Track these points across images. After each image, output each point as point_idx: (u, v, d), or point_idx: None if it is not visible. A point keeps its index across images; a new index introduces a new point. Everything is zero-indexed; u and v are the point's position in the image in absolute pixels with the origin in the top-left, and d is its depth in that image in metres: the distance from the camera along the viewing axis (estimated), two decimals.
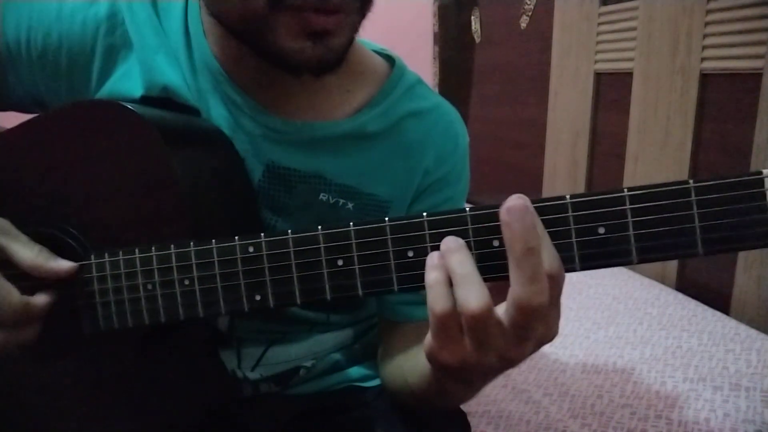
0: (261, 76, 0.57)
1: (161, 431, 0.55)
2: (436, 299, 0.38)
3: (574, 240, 0.38)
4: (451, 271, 0.38)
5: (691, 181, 0.36)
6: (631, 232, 0.37)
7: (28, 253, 0.47)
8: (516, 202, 0.36)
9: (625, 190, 0.37)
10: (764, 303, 1.12)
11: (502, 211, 0.36)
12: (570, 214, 0.38)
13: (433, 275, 0.38)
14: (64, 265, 0.48)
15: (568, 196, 0.38)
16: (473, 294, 0.36)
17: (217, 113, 0.58)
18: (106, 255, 0.48)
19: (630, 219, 0.37)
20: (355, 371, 0.70)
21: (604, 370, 0.97)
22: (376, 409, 0.64)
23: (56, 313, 0.49)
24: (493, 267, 0.38)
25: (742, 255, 1.16)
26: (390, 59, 0.64)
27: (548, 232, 0.37)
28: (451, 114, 0.65)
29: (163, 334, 0.52)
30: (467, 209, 0.39)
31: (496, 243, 0.38)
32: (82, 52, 0.57)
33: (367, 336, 0.71)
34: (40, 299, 0.48)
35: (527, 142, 1.97)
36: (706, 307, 1.17)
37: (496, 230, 0.38)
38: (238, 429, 0.62)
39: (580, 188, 1.69)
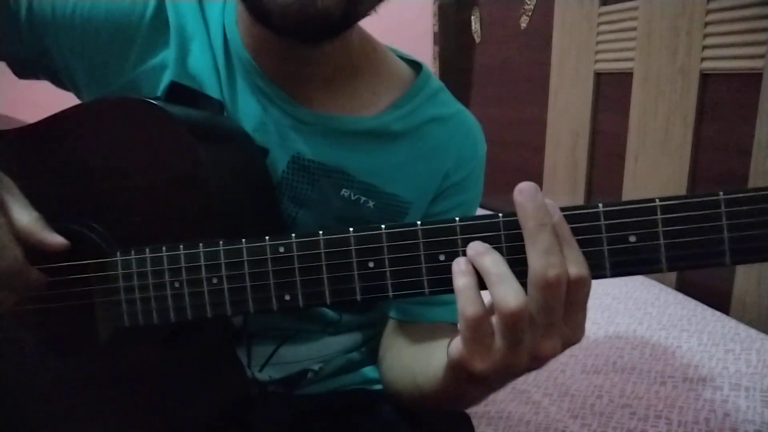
0: (283, 61, 0.58)
1: (176, 430, 0.55)
2: (467, 303, 0.38)
3: (605, 248, 0.39)
4: (485, 272, 0.38)
5: (721, 192, 0.37)
6: (661, 241, 0.38)
7: (25, 215, 0.47)
8: (527, 185, 0.38)
9: (657, 200, 0.38)
10: (764, 303, 1.12)
11: (515, 193, 0.38)
12: (602, 222, 0.38)
13: (462, 280, 0.39)
14: (55, 239, 0.47)
15: (600, 205, 0.39)
16: (512, 292, 0.37)
17: (247, 103, 0.59)
18: (132, 252, 0.48)
19: (661, 228, 0.38)
20: (363, 374, 0.70)
21: (604, 370, 0.97)
22: (382, 412, 0.64)
23: (80, 308, 0.49)
24: (525, 273, 0.38)
25: None
26: (417, 66, 0.66)
27: (580, 239, 0.38)
28: (471, 121, 0.66)
29: (185, 333, 0.51)
30: (500, 215, 0.40)
31: None
32: (124, 31, 0.58)
33: (374, 340, 0.71)
34: (37, 274, 0.47)
35: (527, 142, 1.97)
36: (706, 307, 1.17)
37: None
38: (243, 428, 0.62)
39: (580, 188, 1.68)
